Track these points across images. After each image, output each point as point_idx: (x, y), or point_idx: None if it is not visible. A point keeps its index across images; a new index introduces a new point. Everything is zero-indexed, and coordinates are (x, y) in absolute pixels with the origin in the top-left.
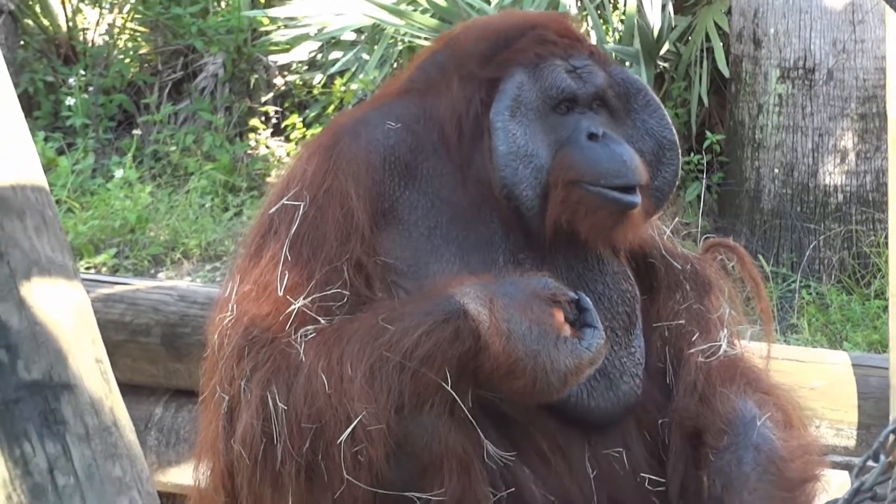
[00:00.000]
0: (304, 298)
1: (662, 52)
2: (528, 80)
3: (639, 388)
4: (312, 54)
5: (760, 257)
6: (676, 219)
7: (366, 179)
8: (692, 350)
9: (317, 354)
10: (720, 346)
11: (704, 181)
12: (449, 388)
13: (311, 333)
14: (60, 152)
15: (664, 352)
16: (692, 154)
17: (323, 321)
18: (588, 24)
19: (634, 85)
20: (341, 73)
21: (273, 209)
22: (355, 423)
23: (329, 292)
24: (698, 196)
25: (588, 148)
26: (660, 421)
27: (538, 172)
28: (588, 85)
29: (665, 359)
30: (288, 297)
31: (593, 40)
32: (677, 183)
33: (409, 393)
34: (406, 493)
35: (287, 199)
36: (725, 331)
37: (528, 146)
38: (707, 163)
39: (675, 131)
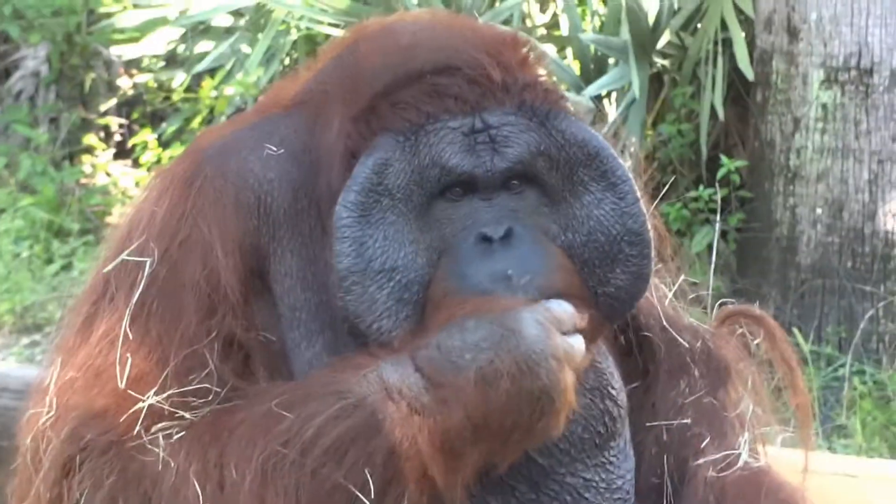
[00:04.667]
0: (155, 393)
1: (661, 45)
2: (399, 155)
3: None
4: (172, 46)
5: (796, 331)
6: (682, 277)
7: (235, 227)
8: (701, 461)
9: (187, 457)
10: (739, 455)
11: (718, 225)
12: (366, 500)
13: (175, 431)
14: None
15: (661, 462)
16: (701, 187)
17: (187, 416)
18: (558, 8)
19: (586, 147)
20: (212, 73)
21: (109, 267)
22: None
23: (189, 387)
24: (710, 246)
25: (470, 259)
26: None
27: (405, 291)
28: (497, 158)
29: (662, 472)
30: (131, 390)
31: (564, 30)
32: (644, 289)
33: (309, 501)
34: None
35: (129, 254)
36: (746, 434)
37: (388, 257)
38: (722, 199)
39: (644, 218)
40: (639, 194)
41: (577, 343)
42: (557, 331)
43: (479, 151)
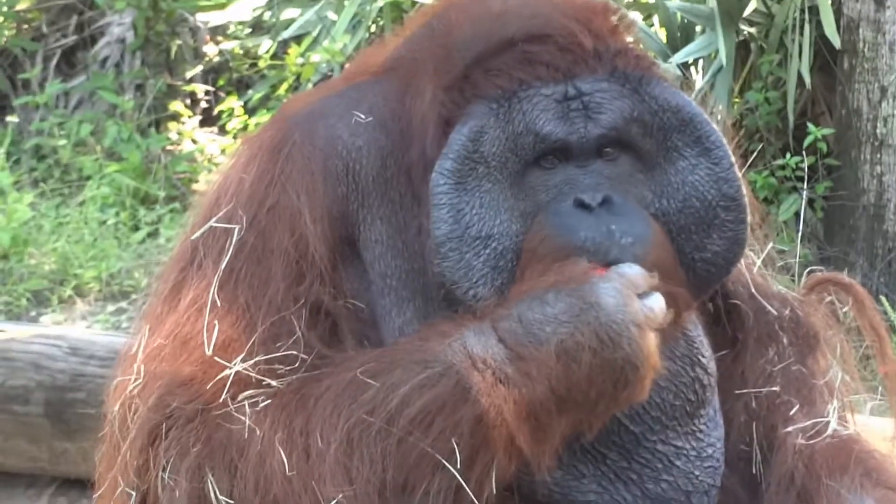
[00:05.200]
0: (242, 360)
1: (747, 12)
2: (493, 122)
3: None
4: (258, 12)
5: (884, 299)
6: (770, 245)
7: (324, 194)
8: (789, 428)
9: (273, 425)
10: (828, 423)
11: (805, 193)
12: (452, 468)
13: (261, 399)
14: None
15: (751, 430)
16: (788, 155)
17: (274, 383)
18: None
19: (680, 113)
20: (298, 40)
21: (197, 234)
22: None
23: (276, 354)
24: (797, 214)
25: (568, 219)
26: None
27: (500, 259)
28: (591, 125)
29: (751, 439)
30: (218, 357)
31: None
32: (741, 254)
33: (396, 469)
34: None
35: (216, 221)
36: (835, 402)
37: (485, 224)
38: (809, 167)
39: (739, 183)
40: (733, 159)
41: (657, 303)
42: (635, 295)
43: (573, 118)
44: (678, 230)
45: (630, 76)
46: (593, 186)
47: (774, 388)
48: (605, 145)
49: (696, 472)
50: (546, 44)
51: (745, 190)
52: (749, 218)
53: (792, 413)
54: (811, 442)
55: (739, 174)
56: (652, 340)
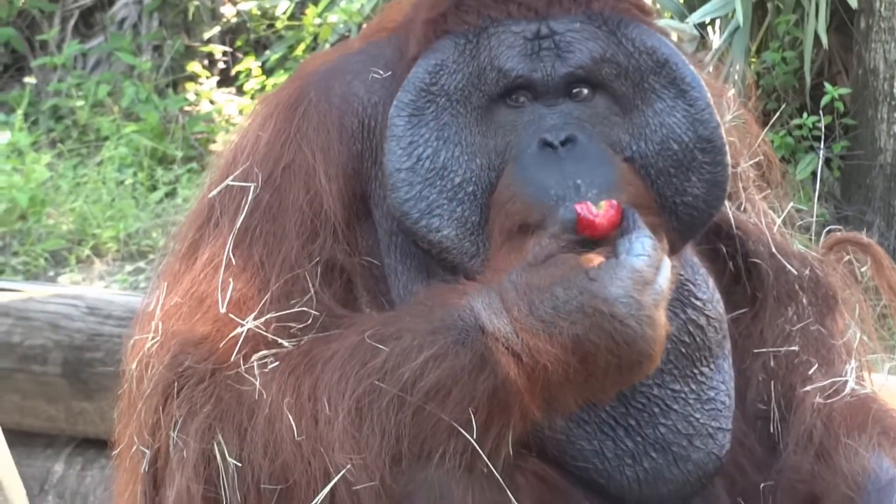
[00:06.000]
0: (254, 318)
1: None
2: (456, 57)
3: (723, 446)
4: None
5: None
6: (791, 204)
7: (339, 152)
8: (808, 387)
9: (280, 388)
10: (846, 382)
11: (822, 152)
12: (469, 435)
13: (271, 360)
14: None
15: (769, 389)
16: (805, 115)
17: (286, 344)
18: None
19: (655, 54)
20: (315, 0)
21: (214, 192)
22: (336, 479)
23: (289, 310)
24: (814, 174)
25: (536, 165)
26: (762, 485)
27: (459, 190)
28: (559, 63)
29: (770, 398)
30: (232, 314)
31: None
32: (722, 197)
33: (411, 438)
34: None
35: (233, 179)
36: (854, 362)
37: (440, 157)
38: (826, 127)
39: (716, 124)
40: (710, 100)
41: (665, 278)
42: (645, 288)
43: (542, 57)
44: (657, 173)
45: (608, 18)
46: (559, 126)
47: (793, 348)
48: (573, 84)
49: (697, 415)
50: None
51: (722, 132)
52: (728, 160)
53: (810, 372)
54: (829, 401)
55: (717, 116)
56: (662, 319)
